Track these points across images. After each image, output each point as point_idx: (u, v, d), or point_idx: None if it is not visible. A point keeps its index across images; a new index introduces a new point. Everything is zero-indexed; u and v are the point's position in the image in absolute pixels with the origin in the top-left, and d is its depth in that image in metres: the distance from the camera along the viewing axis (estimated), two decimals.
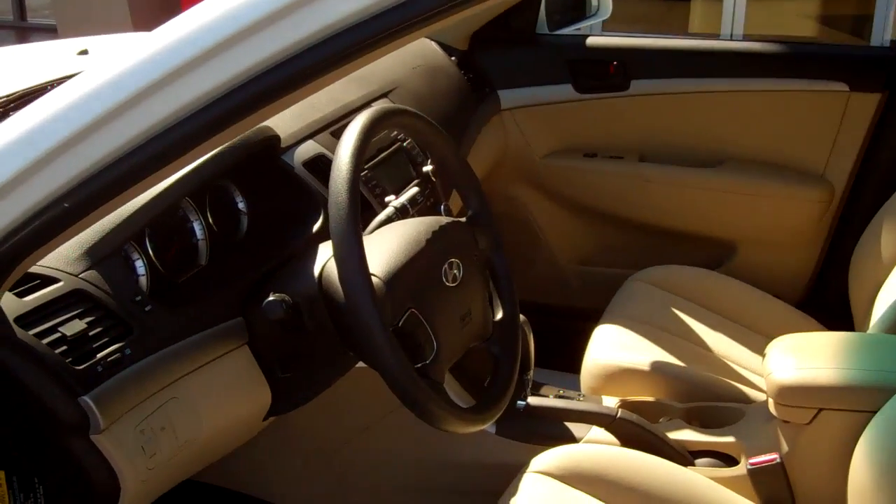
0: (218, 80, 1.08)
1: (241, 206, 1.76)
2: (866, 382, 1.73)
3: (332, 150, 1.89)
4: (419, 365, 1.39)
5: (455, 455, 1.95)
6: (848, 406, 1.73)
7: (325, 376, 1.60)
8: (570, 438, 1.92)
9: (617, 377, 2.14)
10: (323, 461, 1.97)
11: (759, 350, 2.32)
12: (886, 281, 2.21)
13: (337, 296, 1.41)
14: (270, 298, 1.44)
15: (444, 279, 1.48)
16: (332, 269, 1.46)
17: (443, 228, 1.54)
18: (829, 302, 2.70)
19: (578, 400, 2.03)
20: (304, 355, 1.53)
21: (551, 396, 2.03)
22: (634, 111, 2.77)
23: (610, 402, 2.05)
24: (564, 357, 2.46)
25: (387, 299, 1.36)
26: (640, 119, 2.79)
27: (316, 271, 1.48)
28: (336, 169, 1.33)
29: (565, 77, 2.79)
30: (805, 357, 1.81)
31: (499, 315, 1.66)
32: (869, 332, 2.00)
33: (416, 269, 1.44)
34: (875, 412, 1.64)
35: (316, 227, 1.73)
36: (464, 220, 1.65)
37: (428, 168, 2.05)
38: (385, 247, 1.43)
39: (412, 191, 1.89)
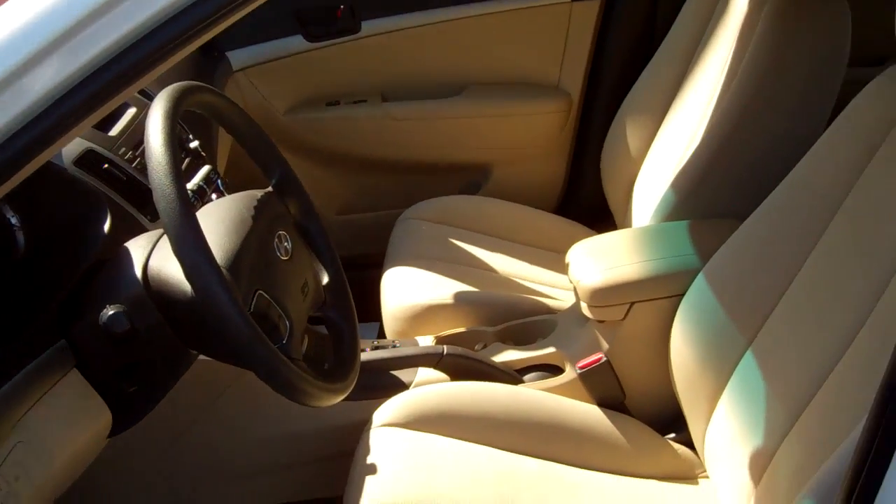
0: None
1: (13, 220, 1.58)
2: (669, 269, 1.85)
3: (99, 142, 1.75)
4: (277, 345, 1.33)
5: (293, 427, 1.89)
6: (657, 295, 1.84)
7: (166, 381, 1.49)
8: (402, 385, 1.92)
9: (422, 316, 2.16)
10: (154, 462, 1.85)
11: (542, 262, 2.43)
12: (639, 175, 2.36)
13: (175, 294, 1.32)
14: (110, 312, 1.32)
15: (277, 253, 1.42)
16: (159, 267, 1.36)
17: (261, 202, 1.47)
18: (585, 204, 2.85)
19: (396, 346, 2.02)
20: (143, 363, 1.42)
21: (368, 349, 2.01)
22: (369, 52, 2.75)
23: (424, 341, 2.06)
24: (356, 308, 2.45)
25: (235, 286, 1.28)
26: (376, 59, 2.77)
27: (137, 272, 1.37)
28: (153, 160, 1.23)
29: (293, 28, 2.71)
30: (607, 258, 1.91)
31: (325, 279, 1.61)
32: (648, 223, 2.12)
33: (252, 249, 1.36)
34: (682, 295, 1.76)
35: (106, 227, 1.59)
36: (270, 189, 1.58)
37: (195, 143, 1.95)
38: (214, 233, 1.35)
39: (204, 170, 1.79)
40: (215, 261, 1.21)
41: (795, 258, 1.57)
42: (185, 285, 1.28)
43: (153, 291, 1.36)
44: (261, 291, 1.33)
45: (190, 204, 1.22)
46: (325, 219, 2.92)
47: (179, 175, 1.23)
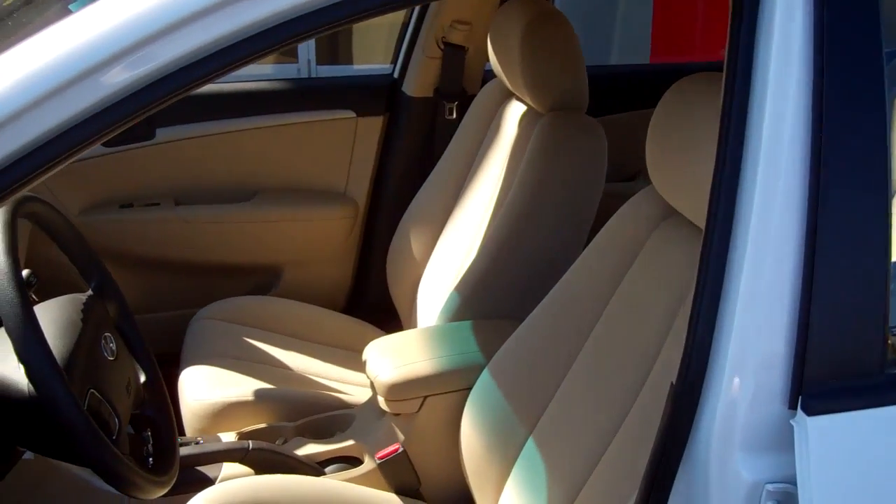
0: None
1: None
2: (457, 365, 2.04)
3: None
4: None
5: None
6: (447, 388, 2.03)
7: None
8: (207, 481, 2.00)
9: (223, 413, 2.24)
10: None
11: (333, 359, 2.57)
12: (423, 278, 2.56)
13: (9, 393, 1.38)
14: None
15: (105, 354, 1.51)
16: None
17: (87, 305, 1.55)
18: (370, 305, 3.02)
19: (199, 444, 2.10)
20: None
21: None
22: (164, 158, 2.84)
23: (226, 437, 2.15)
24: None
25: (71, 386, 1.36)
26: (170, 164, 2.86)
27: None
28: None
29: None
30: (401, 355, 2.08)
31: (142, 378, 1.70)
32: (435, 322, 2.32)
33: (83, 350, 1.45)
34: (470, 388, 1.96)
35: None
36: (91, 293, 1.66)
37: None
38: (49, 335, 1.42)
39: (23, 274, 1.83)
40: (56, 361, 1.30)
41: (568, 354, 1.79)
42: (21, 384, 1.35)
43: None
44: (92, 390, 1.42)
45: (31, 308, 1.30)
46: None
47: (21, 280, 1.32)
